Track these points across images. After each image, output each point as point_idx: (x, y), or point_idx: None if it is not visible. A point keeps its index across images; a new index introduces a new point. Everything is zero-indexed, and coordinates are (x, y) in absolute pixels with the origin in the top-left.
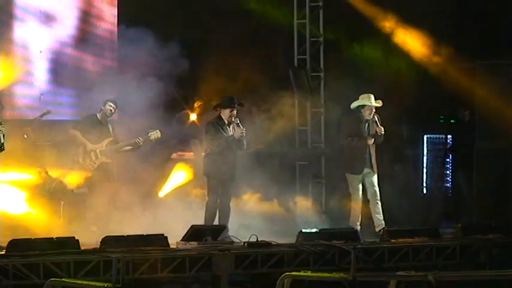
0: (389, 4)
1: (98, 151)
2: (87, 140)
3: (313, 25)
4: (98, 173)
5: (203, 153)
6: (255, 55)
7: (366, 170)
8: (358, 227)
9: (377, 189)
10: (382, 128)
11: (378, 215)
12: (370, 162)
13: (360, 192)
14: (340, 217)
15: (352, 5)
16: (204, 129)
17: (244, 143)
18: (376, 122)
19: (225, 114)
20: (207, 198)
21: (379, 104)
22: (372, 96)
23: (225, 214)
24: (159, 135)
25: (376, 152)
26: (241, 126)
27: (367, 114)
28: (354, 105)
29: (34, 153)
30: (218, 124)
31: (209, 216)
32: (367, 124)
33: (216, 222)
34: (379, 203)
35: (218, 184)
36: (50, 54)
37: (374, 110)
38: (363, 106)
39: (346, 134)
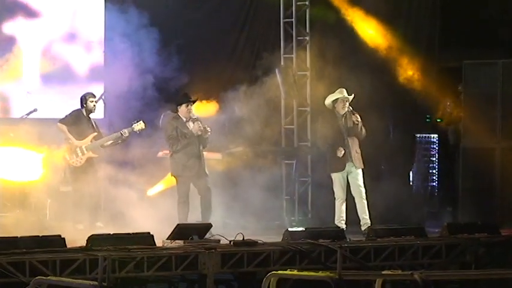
0: (372, 4)
1: (83, 147)
2: (72, 136)
3: (300, 24)
4: (85, 168)
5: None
6: (242, 53)
7: (348, 166)
8: (343, 226)
9: (362, 188)
10: (358, 116)
11: (363, 214)
12: (351, 156)
13: (344, 191)
14: (327, 216)
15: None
16: (164, 130)
17: (207, 138)
18: (351, 112)
19: (182, 111)
20: (177, 197)
21: (351, 96)
22: (344, 90)
23: (207, 210)
24: (144, 127)
25: (360, 147)
26: (199, 122)
27: (341, 108)
28: (327, 101)
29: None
30: (176, 122)
31: (182, 215)
32: (343, 118)
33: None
34: (365, 201)
35: (186, 182)
36: (38, 51)
37: (347, 103)
38: (336, 101)
39: (324, 134)
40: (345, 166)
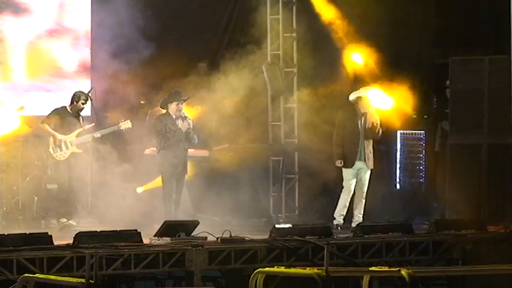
0: (364, 3)
1: (68, 141)
2: (57, 132)
3: (287, 21)
4: (69, 163)
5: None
6: (227, 49)
7: (359, 164)
8: (341, 220)
9: (366, 188)
10: (378, 119)
11: (358, 212)
12: (364, 155)
13: (352, 187)
14: (313, 213)
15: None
16: (153, 125)
17: (195, 137)
18: (372, 112)
19: (172, 108)
20: (163, 194)
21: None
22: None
23: (176, 206)
24: (130, 125)
25: (373, 148)
26: (188, 120)
27: (365, 107)
28: (352, 96)
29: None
30: (166, 119)
31: (168, 211)
32: (363, 117)
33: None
34: (363, 201)
35: (171, 179)
36: (25, 47)
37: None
38: (361, 98)
39: (341, 129)
40: (354, 163)
